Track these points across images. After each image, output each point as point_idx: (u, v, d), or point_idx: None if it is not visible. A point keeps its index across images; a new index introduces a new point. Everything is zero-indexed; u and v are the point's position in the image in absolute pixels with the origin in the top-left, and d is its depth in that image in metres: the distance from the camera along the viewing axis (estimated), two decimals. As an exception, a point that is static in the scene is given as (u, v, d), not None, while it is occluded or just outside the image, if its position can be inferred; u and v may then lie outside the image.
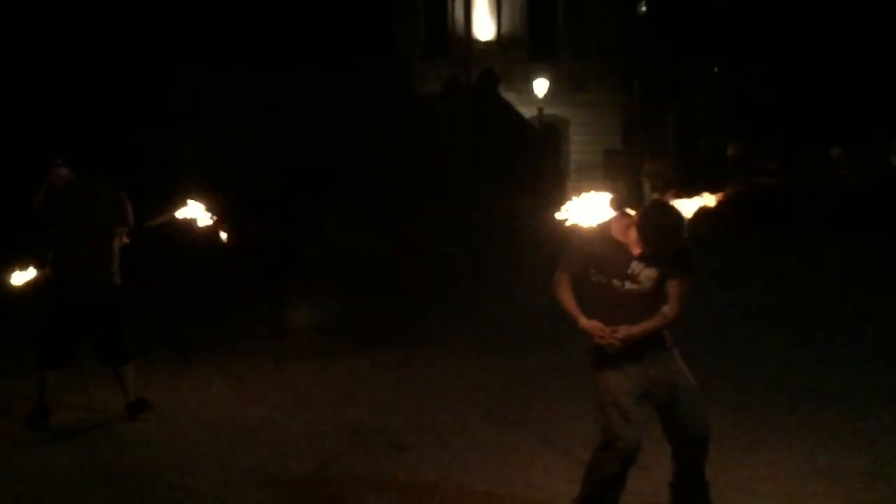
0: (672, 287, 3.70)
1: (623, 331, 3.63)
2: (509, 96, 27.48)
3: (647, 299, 3.70)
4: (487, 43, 33.32)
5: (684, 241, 3.63)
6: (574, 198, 3.83)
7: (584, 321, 3.69)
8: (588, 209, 3.77)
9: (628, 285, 3.69)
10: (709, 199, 3.81)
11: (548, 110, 30.05)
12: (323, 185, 13.85)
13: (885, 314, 9.00)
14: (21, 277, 5.43)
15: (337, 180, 14.03)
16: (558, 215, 3.84)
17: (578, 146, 33.24)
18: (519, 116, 25.44)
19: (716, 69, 29.07)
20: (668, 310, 3.71)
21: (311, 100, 16.40)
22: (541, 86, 29.78)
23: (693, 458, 3.81)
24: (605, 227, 3.73)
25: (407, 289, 10.60)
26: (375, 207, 13.28)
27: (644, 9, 34.22)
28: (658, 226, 3.55)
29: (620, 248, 3.67)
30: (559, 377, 6.34)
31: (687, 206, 3.76)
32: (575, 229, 3.78)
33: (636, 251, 3.64)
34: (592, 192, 3.83)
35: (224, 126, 14.78)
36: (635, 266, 3.67)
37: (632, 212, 3.72)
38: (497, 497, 4.36)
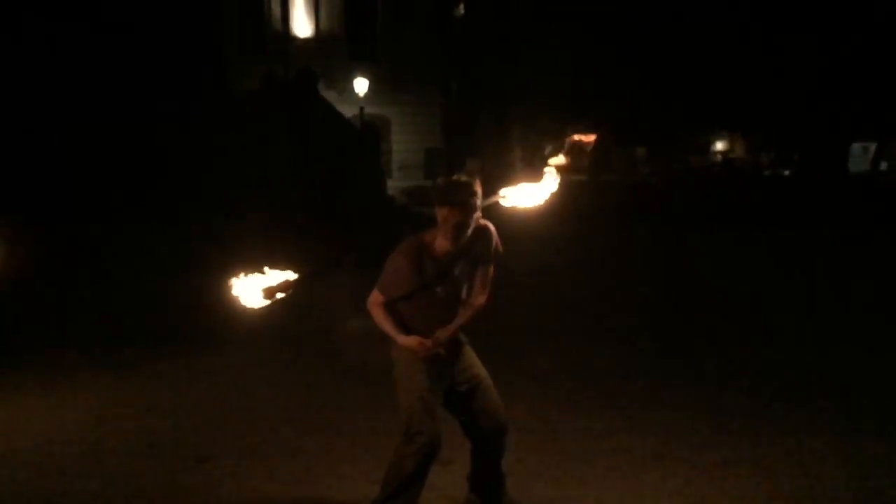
0: (479, 276, 3.76)
1: (441, 335, 3.67)
2: (329, 95, 27.22)
3: (459, 296, 3.76)
4: (306, 40, 32.91)
5: (486, 227, 3.69)
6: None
7: (402, 339, 3.69)
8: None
9: (448, 289, 3.71)
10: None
11: (369, 109, 30.10)
12: (121, 186, 13.05)
13: (682, 299, 9.64)
14: None
15: (136, 181, 13.26)
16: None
17: (400, 145, 33.55)
18: (339, 115, 25.25)
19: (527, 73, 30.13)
20: (477, 299, 3.77)
21: (116, 95, 15.50)
22: (361, 85, 29.79)
23: (492, 450, 3.89)
24: (415, 247, 3.68)
25: (214, 293, 10.18)
26: (179, 209, 12.66)
27: (462, 11, 34.97)
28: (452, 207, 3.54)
29: (434, 260, 3.66)
30: (367, 378, 6.25)
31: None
32: (393, 256, 3.72)
33: (444, 249, 3.65)
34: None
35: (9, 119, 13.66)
36: (449, 271, 3.68)
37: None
38: (300, 503, 4.26)
